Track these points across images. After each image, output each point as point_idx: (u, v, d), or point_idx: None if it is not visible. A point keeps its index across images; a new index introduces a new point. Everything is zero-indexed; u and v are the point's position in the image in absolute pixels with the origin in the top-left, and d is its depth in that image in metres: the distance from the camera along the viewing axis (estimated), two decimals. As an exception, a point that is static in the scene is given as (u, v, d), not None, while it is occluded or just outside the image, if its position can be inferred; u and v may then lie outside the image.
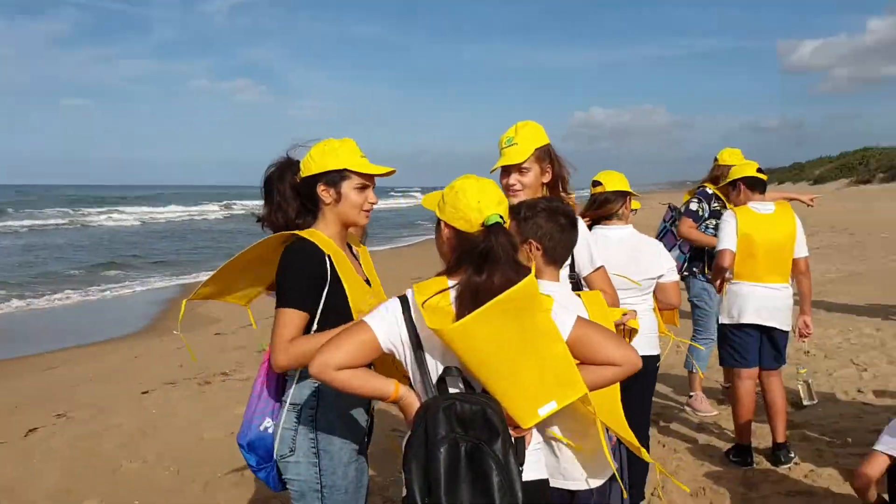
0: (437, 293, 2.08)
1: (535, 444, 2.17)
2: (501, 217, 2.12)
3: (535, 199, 2.83)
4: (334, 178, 2.48)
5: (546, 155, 3.05)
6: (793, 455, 4.60)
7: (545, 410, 2.02)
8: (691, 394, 5.84)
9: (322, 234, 2.45)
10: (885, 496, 3.35)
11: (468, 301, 2.02)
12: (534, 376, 2.00)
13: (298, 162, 2.57)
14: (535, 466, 2.15)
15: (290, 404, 2.41)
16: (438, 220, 2.24)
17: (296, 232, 2.43)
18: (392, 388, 2.11)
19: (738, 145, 5.84)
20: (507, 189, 3.03)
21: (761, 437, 4.90)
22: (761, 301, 4.60)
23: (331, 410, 2.42)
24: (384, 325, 2.10)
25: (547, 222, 2.57)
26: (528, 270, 2.07)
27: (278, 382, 2.50)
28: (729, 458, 4.72)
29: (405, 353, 2.12)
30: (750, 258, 4.57)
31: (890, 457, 3.17)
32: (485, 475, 1.90)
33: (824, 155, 59.10)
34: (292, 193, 2.53)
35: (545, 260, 2.55)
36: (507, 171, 3.00)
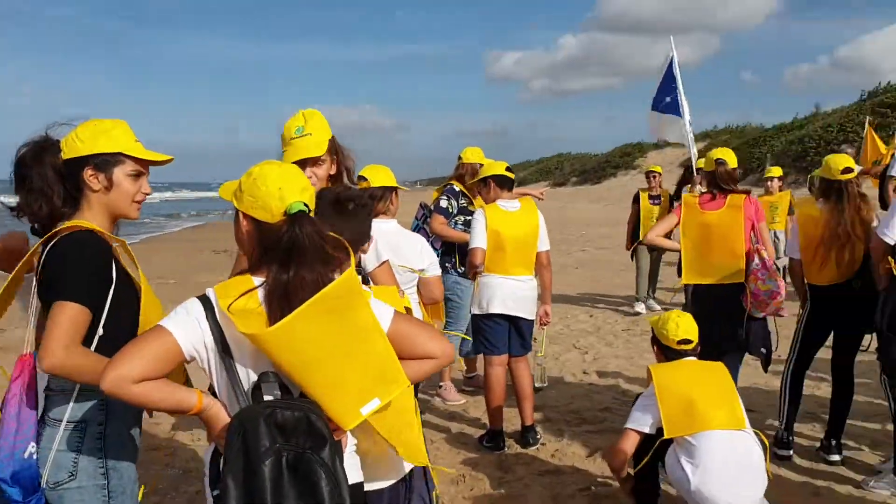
0: (242, 294, 1.90)
1: (350, 446, 2.07)
2: (306, 205, 1.98)
3: (324, 188, 2.72)
4: (106, 161, 2.18)
5: (333, 146, 2.94)
6: (539, 436, 4.93)
7: (368, 409, 1.93)
8: (441, 384, 6.02)
9: (97, 226, 2.14)
10: (631, 470, 3.70)
11: (279, 301, 1.87)
12: (357, 375, 1.90)
13: (58, 142, 2.21)
14: (351, 470, 2.04)
15: (67, 422, 2.07)
16: (237, 212, 2.04)
17: (76, 222, 2.10)
18: (195, 400, 1.89)
19: (452, 149, 6.15)
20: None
21: (507, 420, 5.19)
22: (508, 292, 4.85)
23: (120, 425, 2.14)
24: (186, 330, 1.87)
25: (331, 210, 2.46)
26: (340, 262, 1.96)
27: (37, 400, 2.13)
28: (482, 443, 4.93)
29: (210, 360, 1.91)
30: (499, 252, 4.80)
31: (638, 432, 3.49)
32: (313, 485, 1.77)
33: (526, 159, 64.30)
34: (55, 177, 2.17)
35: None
36: (300, 164, 2.83)
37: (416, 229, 5.96)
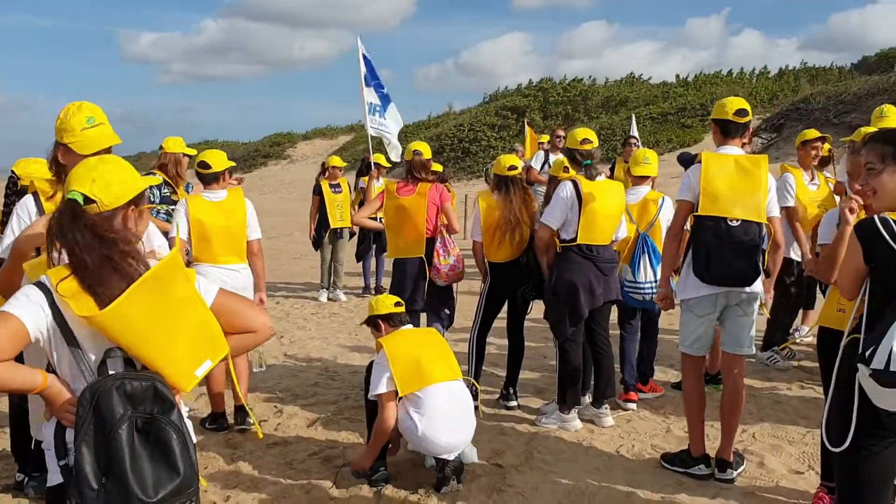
0: (63, 278, 2.04)
1: (185, 409, 2.28)
2: (85, 195, 2.13)
3: None
4: None
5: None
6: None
7: (202, 371, 2.17)
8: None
9: None
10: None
11: (83, 283, 2.05)
12: (188, 342, 2.13)
13: None
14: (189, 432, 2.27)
15: None
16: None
17: None
18: (41, 378, 2.04)
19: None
20: None
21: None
22: (218, 280, 5.04)
23: None
24: (30, 314, 2.00)
25: None
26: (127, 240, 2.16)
27: None
28: (205, 426, 5.08)
29: (52, 340, 2.05)
30: (205, 242, 4.93)
31: (388, 393, 3.98)
32: (165, 444, 2.02)
33: None
34: None
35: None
36: (104, 151, 2.94)
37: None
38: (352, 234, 9.80)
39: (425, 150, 5.47)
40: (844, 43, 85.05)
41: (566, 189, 4.80)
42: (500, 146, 27.72)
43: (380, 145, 9.23)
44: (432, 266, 5.23)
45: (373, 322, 4.39)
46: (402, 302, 4.36)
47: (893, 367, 2.39)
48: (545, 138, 11.10)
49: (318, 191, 9.61)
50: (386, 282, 7.93)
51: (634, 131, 12.28)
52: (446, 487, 4.01)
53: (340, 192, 9.53)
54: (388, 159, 9.31)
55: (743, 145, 4.17)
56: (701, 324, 4.09)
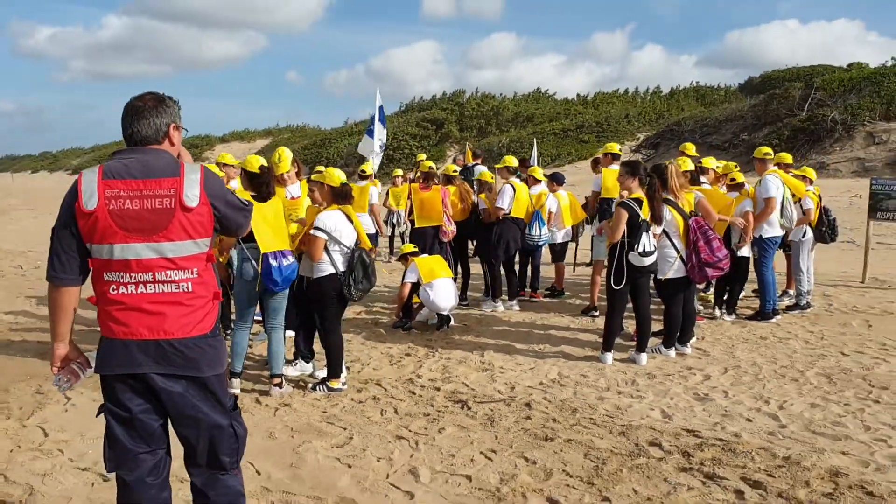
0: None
1: (376, 261, 5.88)
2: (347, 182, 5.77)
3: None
4: None
5: (294, 163, 6.52)
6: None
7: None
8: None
9: None
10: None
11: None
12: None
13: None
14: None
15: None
16: (319, 183, 5.80)
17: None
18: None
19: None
20: (282, 181, 6.35)
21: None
22: None
23: None
24: (323, 234, 5.52)
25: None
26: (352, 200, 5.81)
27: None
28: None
29: (331, 240, 5.56)
30: None
31: (410, 284, 7.67)
32: (367, 269, 5.57)
33: (77, 146, 59.82)
34: None
35: (331, 200, 6.09)
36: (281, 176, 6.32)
37: None
38: None
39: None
40: (739, 60, 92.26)
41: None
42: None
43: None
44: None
45: (405, 256, 8.07)
46: (418, 251, 8.04)
47: (644, 250, 6.25)
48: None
49: None
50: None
51: (534, 160, 15.22)
52: (442, 329, 7.73)
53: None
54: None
55: None
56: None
